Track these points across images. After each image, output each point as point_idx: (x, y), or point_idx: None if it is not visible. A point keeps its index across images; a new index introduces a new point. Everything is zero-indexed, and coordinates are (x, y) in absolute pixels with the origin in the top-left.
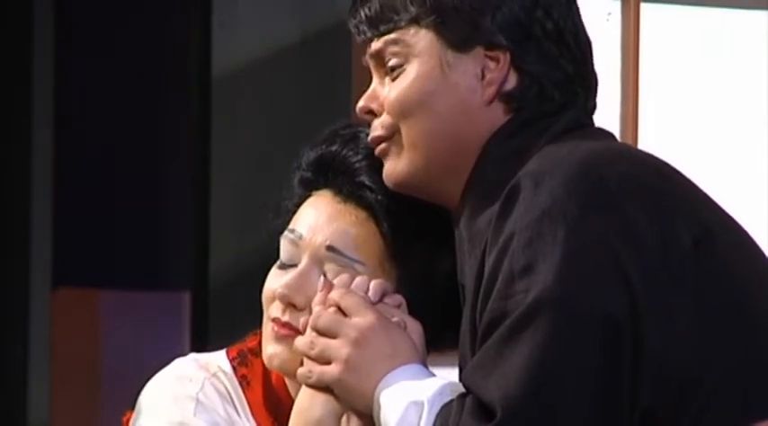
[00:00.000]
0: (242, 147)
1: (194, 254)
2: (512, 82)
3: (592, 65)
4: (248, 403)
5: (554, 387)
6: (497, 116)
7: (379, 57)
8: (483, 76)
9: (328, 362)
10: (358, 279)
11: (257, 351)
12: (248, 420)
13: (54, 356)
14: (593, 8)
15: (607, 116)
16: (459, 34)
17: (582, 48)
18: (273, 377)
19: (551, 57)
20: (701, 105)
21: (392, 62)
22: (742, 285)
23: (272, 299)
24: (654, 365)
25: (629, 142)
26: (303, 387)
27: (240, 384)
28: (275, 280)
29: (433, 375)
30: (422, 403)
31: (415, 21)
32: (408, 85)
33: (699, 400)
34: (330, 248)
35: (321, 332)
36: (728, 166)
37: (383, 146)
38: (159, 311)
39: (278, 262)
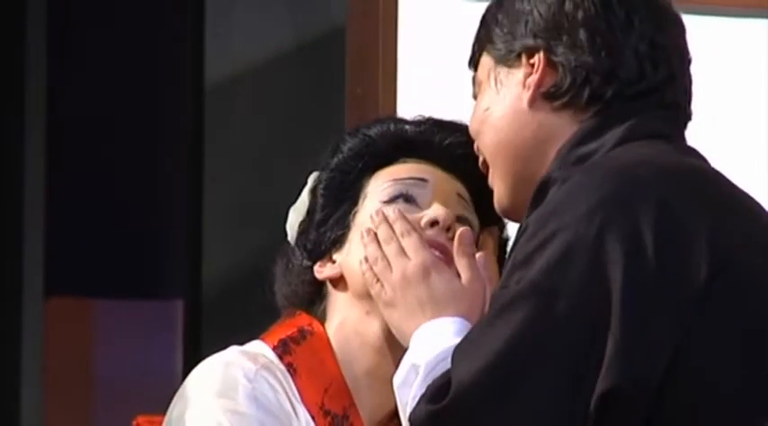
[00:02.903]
0: (236, 155)
1: (187, 263)
2: (549, 79)
3: (660, 62)
4: (298, 390)
5: (510, 376)
6: (544, 118)
7: (475, 99)
8: (525, 83)
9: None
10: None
11: (298, 339)
12: (302, 406)
13: (47, 365)
14: None
15: None
16: (503, 49)
17: (636, 42)
18: (324, 365)
19: (586, 49)
20: (697, 115)
21: (475, 95)
22: (759, 316)
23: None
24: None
25: None
26: None
27: (288, 371)
28: (409, 212)
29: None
30: (418, 367)
31: (482, 49)
32: (475, 109)
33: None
34: (460, 195)
35: (385, 255)
36: (728, 176)
37: (489, 177)
38: (152, 320)
39: (399, 197)
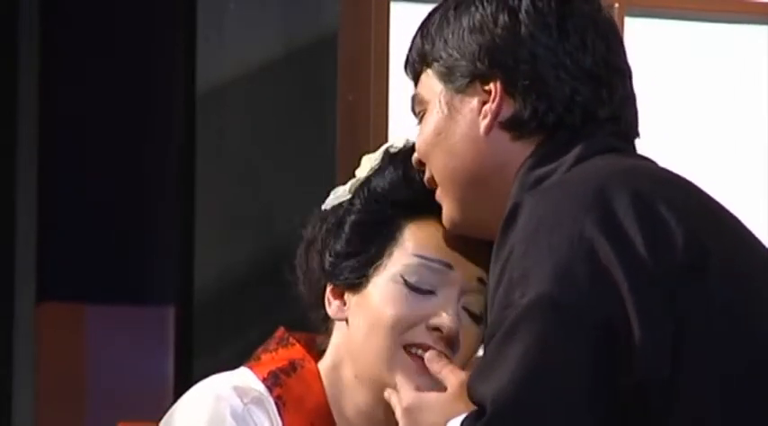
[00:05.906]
0: (227, 161)
1: (179, 269)
2: (508, 109)
3: (614, 82)
4: (285, 424)
5: (543, 384)
6: (501, 144)
7: (414, 112)
8: (480, 110)
9: None
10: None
11: (289, 371)
12: None
13: (39, 371)
14: None
15: None
16: (455, 75)
17: (591, 65)
18: (313, 399)
19: (546, 77)
20: (698, 120)
21: (418, 112)
22: (733, 316)
23: (412, 325)
24: (634, 370)
25: None
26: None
27: (276, 405)
28: (414, 305)
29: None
30: None
31: (425, 64)
32: (424, 129)
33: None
34: (481, 280)
35: None
36: (726, 185)
37: (437, 192)
38: (144, 325)
39: (410, 283)
